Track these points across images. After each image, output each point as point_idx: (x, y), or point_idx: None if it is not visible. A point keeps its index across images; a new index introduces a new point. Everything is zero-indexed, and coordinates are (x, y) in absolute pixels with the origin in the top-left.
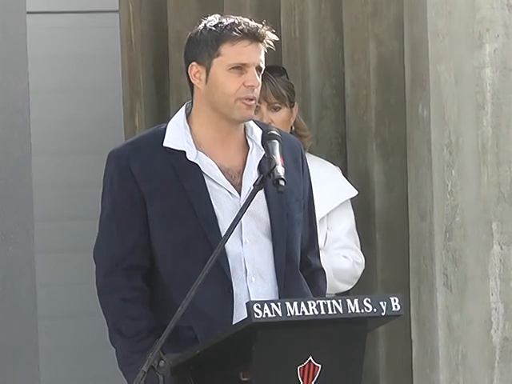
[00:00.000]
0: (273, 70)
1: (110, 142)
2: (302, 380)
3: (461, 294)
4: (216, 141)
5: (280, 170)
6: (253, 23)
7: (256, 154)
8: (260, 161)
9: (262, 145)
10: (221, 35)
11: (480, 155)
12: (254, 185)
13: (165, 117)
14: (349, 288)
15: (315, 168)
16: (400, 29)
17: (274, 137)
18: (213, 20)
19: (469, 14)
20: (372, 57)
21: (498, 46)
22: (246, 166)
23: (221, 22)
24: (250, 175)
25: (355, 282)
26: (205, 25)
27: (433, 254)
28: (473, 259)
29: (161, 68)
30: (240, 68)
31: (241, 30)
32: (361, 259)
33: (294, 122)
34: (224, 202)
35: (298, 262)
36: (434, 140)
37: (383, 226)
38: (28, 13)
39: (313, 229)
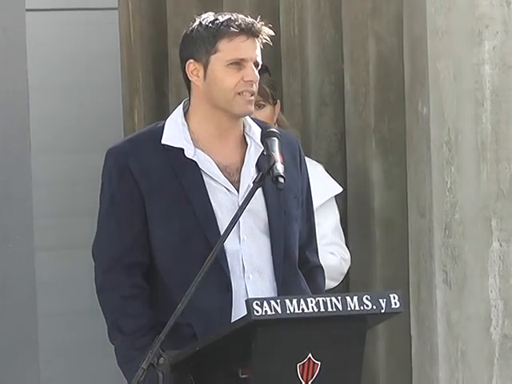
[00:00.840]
0: None
1: (109, 139)
2: (302, 377)
3: (460, 291)
4: (214, 138)
5: (279, 167)
6: (249, 19)
7: (254, 152)
8: (258, 158)
9: (262, 142)
10: (218, 31)
11: (479, 152)
12: (253, 182)
13: (164, 114)
14: (335, 285)
15: None
16: (399, 26)
17: (273, 134)
18: (208, 17)
19: (468, 11)
20: (371, 54)
21: (497, 43)
22: (245, 164)
23: (217, 19)
24: (249, 172)
25: (341, 279)
26: (200, 22)
27: (432, 250)
28: (472, 256)
29: (160, 65)
30: (238, 63)
31: (238, 26)
32: (347, 255)
33: (277, 119)
34: (222, 200)
35: (296, 259)
36: (434, 137)
37: (382, 222)
38: (27, 10)
39: (311, 225)
